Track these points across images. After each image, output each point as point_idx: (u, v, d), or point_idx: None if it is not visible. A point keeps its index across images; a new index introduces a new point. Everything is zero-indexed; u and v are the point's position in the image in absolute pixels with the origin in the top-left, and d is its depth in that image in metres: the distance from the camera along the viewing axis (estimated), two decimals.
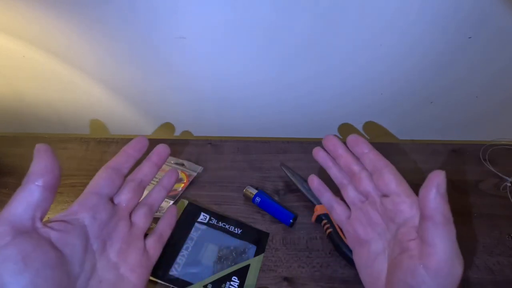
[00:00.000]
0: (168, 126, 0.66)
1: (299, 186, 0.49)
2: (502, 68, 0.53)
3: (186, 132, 0.66)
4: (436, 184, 0.23)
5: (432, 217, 0.23)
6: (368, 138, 0.65)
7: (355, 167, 0.32)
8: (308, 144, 0.60)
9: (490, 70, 0.53)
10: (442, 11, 0.45)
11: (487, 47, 0.49)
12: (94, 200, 0.27)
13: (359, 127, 0.64)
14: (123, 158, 0.30)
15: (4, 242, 0.20)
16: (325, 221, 0.43)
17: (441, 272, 0.22)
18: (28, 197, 0.22)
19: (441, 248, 0.23)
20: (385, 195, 0.29)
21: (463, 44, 0.49)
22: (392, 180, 0.29)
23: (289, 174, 0.50)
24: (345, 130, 0.64)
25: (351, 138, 0.32)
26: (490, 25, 0.47)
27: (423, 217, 0.24)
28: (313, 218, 0.45)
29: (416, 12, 0.45)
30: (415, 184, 0.51)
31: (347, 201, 0.34)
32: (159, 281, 0.38)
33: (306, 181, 0.49)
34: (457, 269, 0.23)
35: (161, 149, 0.33)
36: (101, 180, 0.28)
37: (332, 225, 0.42)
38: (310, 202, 0.47)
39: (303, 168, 0.53)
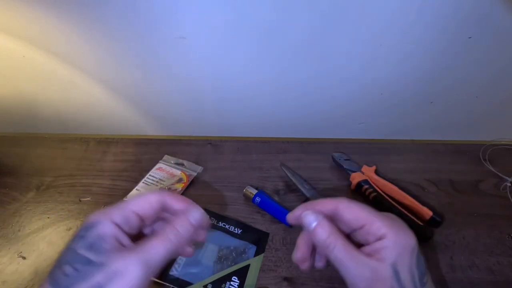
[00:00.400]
0: (168, 126, 0.66)
1: (299, 186, 0.49)
2: (502, 68, 0.53)
3: (186, 132, 0.66)
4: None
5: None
6: (368, 137, 0.65)
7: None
8: (308, 144, 0.60)
9: (490, 70, 0.53)
10: (442, 11, 0.45)
11: (487, 47, 0.49)
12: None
13: (359, 127, 0.64)
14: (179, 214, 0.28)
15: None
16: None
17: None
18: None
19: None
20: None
21: (463, 44, 0.49)
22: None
23: (289, 174, 0.50)
24: (345, 130, 0.64)
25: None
26: (490, 25, 0.47)
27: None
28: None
29: (416, 12, 0.45)
30: (415, 184, 0.51)
31: None
32: (159, 281, 0.38)
33: (306, 181, 0.49)
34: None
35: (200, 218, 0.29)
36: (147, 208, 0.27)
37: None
38: None
39: (303, 168, 0.53)
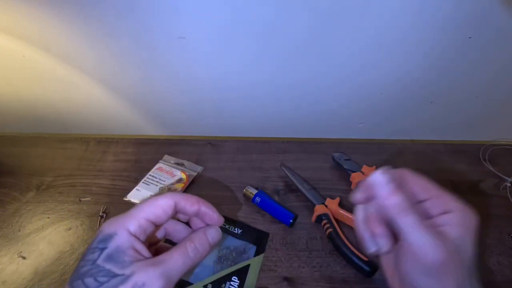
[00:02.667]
0: (168, 126, 0.66)
1: (299, 186, 0.49)
2: (502, 68, 0.53)
3: (186, 132, 0.66)
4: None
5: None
6: (368, 137, 0.65)
7: None
8: (308, 144, 0.60)
9: (490, 70, 0.53)
10: (442, 11, 0.45)
11: (487, 47, 0.49)
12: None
13: (359, 127, 0.64)
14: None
15: None
16: (325, 221, 0.43)
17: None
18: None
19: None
20: None
21: (463, 44, 0.49)
22: None
23: (289, 174, 0.50)
24: (345, 130, 0.64)
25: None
26: (490, 26, 0.47)
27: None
28: (313, 218, 0.45)
29: (416, 12, 0.45)
30: None
31: None
32: None
33: (306, 181, 0.49)
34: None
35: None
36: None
37: (332, 225, 0.42)
38: (310, 202, 0.47)
39: (303, 168, 0.53)
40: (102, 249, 0.23)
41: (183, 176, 0.52)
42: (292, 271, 0.40)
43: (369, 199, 0.26)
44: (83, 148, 0.58)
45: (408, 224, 0.23)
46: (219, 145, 0.60)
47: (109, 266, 0.22)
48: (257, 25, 0.48)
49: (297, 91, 0.57)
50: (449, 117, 0.61)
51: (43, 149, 0.58)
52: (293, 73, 0.54)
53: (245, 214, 0.47)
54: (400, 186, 0.25)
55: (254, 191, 0.48)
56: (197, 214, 0.28)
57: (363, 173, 0.50)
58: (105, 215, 0.47)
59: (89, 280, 0.22)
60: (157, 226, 0.26)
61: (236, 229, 0.44)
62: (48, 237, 0.44)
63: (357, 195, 0.26)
